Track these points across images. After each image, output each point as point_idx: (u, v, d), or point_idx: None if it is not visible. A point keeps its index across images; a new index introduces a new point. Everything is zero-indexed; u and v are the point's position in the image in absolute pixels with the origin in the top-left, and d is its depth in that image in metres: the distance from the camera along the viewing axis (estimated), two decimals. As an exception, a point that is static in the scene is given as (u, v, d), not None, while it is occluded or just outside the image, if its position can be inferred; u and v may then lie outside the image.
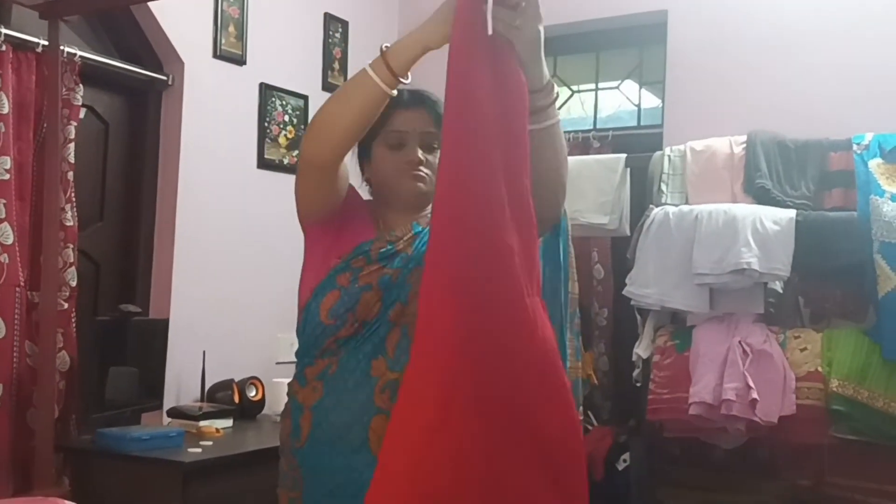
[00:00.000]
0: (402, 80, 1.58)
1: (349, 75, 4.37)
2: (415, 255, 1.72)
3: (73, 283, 3.06)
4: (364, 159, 1.80)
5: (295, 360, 1.76)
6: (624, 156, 3.77)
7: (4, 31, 2.90)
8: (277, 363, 3.75)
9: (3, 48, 2.90)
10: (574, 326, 1.65)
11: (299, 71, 4.11)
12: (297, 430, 1.70)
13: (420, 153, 1.72)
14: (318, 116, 1.64)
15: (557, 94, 1.62)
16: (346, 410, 1.65)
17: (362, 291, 1.67)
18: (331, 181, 1.70)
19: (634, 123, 4.32)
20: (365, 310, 1.67)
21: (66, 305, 3.03)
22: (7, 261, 2.87)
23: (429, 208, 1.73)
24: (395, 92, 1.59)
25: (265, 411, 3.61)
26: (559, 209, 1.74)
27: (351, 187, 1.78)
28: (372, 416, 1.63)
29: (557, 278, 1.72)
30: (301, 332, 1.74)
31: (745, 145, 3.49)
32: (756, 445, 3.24)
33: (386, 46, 1.60)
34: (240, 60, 3.79)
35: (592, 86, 4.45)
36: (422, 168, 1.72)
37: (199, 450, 2.91)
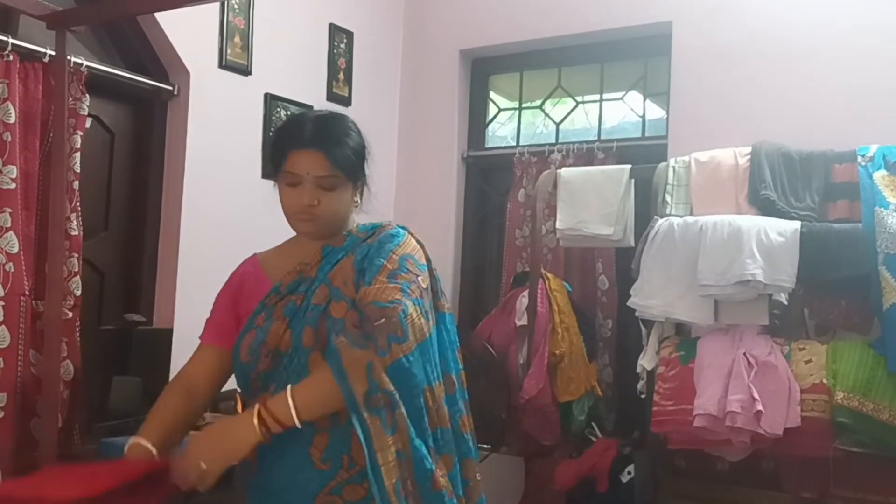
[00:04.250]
0: None
1: (354, 86, 4.39)
2: (319, 276, 1.77)
3: (78, 293, 3.07)
4: (276, 185, 1.85)
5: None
6: (628, 167, 3.77)
7: (12, 41, 2.92)
8: (281, 373, 3.74)
9: (11, 58, 2.91)
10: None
11: (304, 81, 4.13)
12: (248, 464, 1.72)
13: (312, 195, 1.75)
14: None
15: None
16: (286, 438, 1.67)
17: (271, 324, 1.74)
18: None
19: (639, 134, 4.32)
20: (274, 339, 1.72)
21: (70, 314, 3.03)
22: (12, 270, 2.87)
23: (345, 229, 1.84)
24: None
25: (268, 421, 3.61)
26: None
27: (236, 271, 1.92)
28: (313, 436, 1.67)
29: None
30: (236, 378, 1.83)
31: (749, 156, 3.48)
32: (761, 457, 3.23)
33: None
34: (245, 71, 3.81)
35: (597, 97, 4.46)
36: (312, 210, 1.76)
37: (203, 460, 2.90)
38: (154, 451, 1.73)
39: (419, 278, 1.74)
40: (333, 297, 1.72)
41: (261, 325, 1.75)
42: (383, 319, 1.62)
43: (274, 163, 1.79)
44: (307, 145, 1.74)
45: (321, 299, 1.73)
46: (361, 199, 1.85)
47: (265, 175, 3.89)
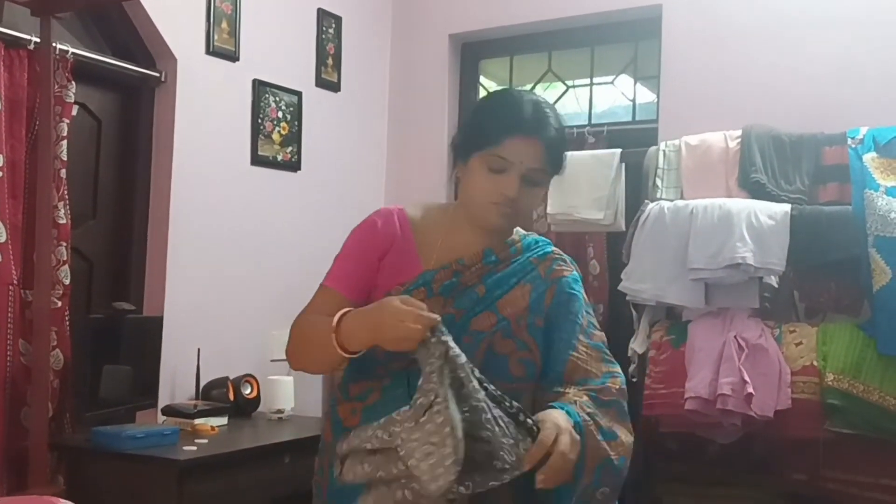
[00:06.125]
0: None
1: (343, 71, 4.36)
2: (487, 295, 1.61)
3: (67, 281, 3.05)
4: (458, 160, 1.65)
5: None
6: (619, 151, 3.76)
7: (-5, 27, 2.89)
8: (272, 360, 3.73)
9: (-5, 45, 2.89)
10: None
11: (293, 67, 4.10)
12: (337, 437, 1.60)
13: (517, 187, 1.56)
14: (290, 345, 1.62)
15: None
16: None
17: None
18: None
19: (629, 118, 4.31)
20: None
21: (59, 303, 3.02)
22: (0, 259, 2.86)
23: (513, 234, 1.68)
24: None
25: (260, 409, 3.60)
26: None
27: (385, 223, 1.64)
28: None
29: None
30: None
31: (739, 140, 3.49)
32: (752, 440, 3.24)
33: (339, 317, 1.49)
34: (233, 56, 3.78)
35: (587, 81, 4.45)
36: (515, 203, 1.58)
37: (195, 448, 2.90)
38: None
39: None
40: (500, 331, 1.59)
41: None
42: (617, 401, 1.57)
43: (474, 143, 1.59)
44: (527, 132, 1.56)
45: (484, 326, 1.58)
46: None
47: (254, 161, 3.88)
